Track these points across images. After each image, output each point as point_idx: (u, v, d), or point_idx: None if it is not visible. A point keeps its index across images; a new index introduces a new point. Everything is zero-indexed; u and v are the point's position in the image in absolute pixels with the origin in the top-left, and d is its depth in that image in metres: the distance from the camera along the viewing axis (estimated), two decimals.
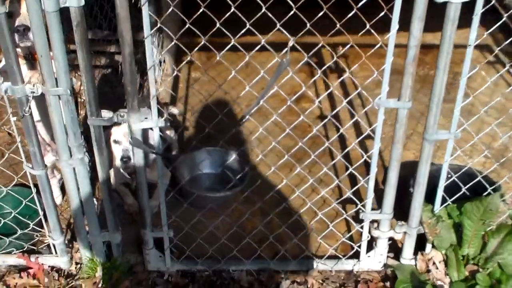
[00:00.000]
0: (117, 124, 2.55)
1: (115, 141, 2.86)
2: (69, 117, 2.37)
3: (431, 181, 2.69)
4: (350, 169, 2.65)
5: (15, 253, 2.98)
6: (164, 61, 4.62)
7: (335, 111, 3.87)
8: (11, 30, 2.20)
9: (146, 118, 2.41)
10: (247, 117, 2.41)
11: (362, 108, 4.22)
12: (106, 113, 2.48)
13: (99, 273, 2.83)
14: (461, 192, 2.70)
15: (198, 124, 4.14)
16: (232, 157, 3.48)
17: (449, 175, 2.76)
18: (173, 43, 2.43)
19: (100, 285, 2.80)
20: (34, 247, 3.03)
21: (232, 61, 4.70)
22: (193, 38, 2.37)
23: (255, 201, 3.03)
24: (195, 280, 2.92)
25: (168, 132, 3.49)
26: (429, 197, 2.71)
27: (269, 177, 2.74)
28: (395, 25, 2.14)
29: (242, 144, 3.82)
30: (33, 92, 2.32)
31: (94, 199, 2.79)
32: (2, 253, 2.98)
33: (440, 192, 2.67)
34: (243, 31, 2.25)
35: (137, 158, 2.52)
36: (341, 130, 2.81)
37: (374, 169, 2.56)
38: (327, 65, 2.77)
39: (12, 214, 2.88)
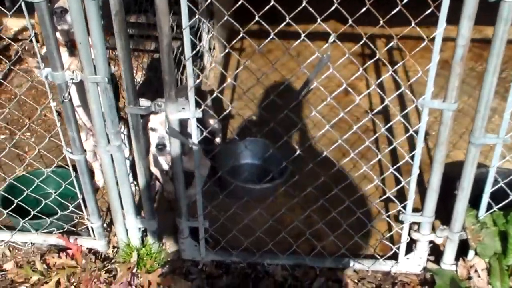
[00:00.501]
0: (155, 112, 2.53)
1: (152, 129, 2.84)
2: (107, 105, 2.38)
3: (478, 185, 2.57)
4: (391, 170, 2.55)
5: (55, 233, 3.03)
6: (214, 48, 4.60)
7: (381, 106, 3.72)
8: (50, 13, 2.20)
9: (183, 108, 2.38)
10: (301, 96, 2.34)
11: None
12: (144, 102, 2.48)
13: (134, 258, 2.85)
14: (509, 199, 2.56)
15: (244, 113, 4.10)
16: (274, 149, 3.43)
17: (497, 180, 2.63)
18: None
19: (134, 271, 2.82)
20: (74, 229, 3.08)
21: (283, 50, 4.63)
22: (246, 24, 2.27)
23: (294, 195, 2.98)
24: (229, 271, 2.90)
25: (211, 120, 3.47)
26: (475, 202, 2.59)
27: (310, 171, 2.64)
28: (442, 23, 2.02)
29: (286, 136, 3.75)
30: (72, 79, 2.33)
31: (132, 185, 2.80)
32: (43, 232, 3.04)
33: (485, 198, 2.54)
34: (286, 21, 2.15)
35: (173, 147, 2.51)
36: (382, 129, 2.66)
37: (416, 171, 2.46)
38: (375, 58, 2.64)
39: (53, 196, 2.93)
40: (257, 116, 4.02)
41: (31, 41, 2.30)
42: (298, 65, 4.51)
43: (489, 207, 2.61)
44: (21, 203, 2.95)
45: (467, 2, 1.98)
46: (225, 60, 4.81)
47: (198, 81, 2.63)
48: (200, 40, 4.33)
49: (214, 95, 2.48)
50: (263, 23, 2.18)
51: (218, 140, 3.64)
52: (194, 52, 2.30)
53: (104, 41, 2.21)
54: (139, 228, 2.88)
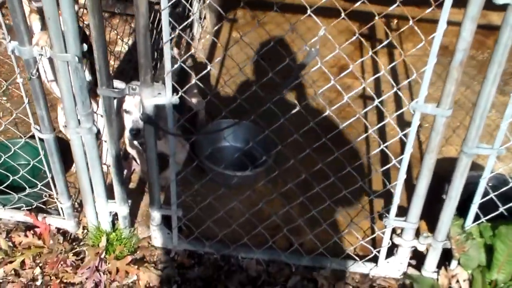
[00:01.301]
0: None
1: (126, 111, 2.68)
2: (78, 85, 2.21)
3: (467, 188, 2.44)
4: (378, 171, 2.40)
5: (23, 210, 2.90)
6: (204, 17, 4.39)
7: (372, 105, 3.56)
8: None
9: (159, 93, 2.22)
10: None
11: (409, 92, 3.93)
12: (118, 84, 2.31)
13: (102, 243, 2.73)
14: (498, 212, 2.42)
15: (231, 92, 3.93)
16: (260, 132, 3.28)
17: (489, 184, 2.50)
18: None
19: (102, 256, 2.69)
20: (44, 206, 2.94)
21: (278, 23, 4.39)
22: None
23: (278, 185, 2.84)
24: (201, 262, 2.78)
25: (194, 99, 3.29)
26: (463, 206, 2.46)
27: (297, 160, 2.48)
28: (443, 24, 1.85)
29: (274, 119, 3.58)
30: (41, 55, 2.16)
31: (105, 166, 2.66)
32: (11, 208, 2.90)
33: (474, 209, 2.41)
34: None
35: (147, 132, 2.35)
36: (369, 131, 2.50)
37: (402, 176, 2.32)
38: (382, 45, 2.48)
39: (21, 173, 2.78)
40: (245, 96, 3.84)
41: None
42: (293, 40, 4.33)
43: (477, 217, 2.48)
44: None
45: (472, 1, 1.81)
46: (215, 31, 4.60)
47: (187, 55, 2.47)
48: (189, 9, 4.14)
49: (206, 71, 2.30)
50: None
51: (200, 119, 3.47)
52: (185, 24, 2.11)
53: (75, 17, 2.03)
54: (110, 212, 2.75)
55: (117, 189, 2.61)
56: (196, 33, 4.37)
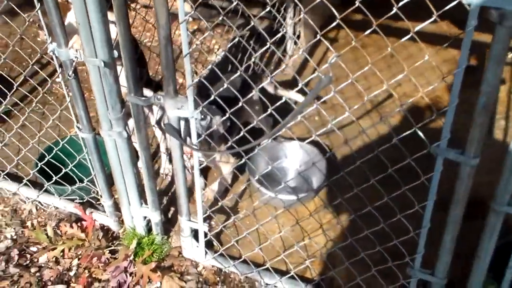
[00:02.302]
0: None
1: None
2: (107, 90, 2.28)
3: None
4: (399, 216, 2.20)
5: (76, 202, 3.05)
6: (299, 35, 4.34)
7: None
8: None
9: (182, 106, 2.22)
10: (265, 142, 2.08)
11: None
12: (147, 92, 2.34)
13: (133, 245, 2.78)
14: None
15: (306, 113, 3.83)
16: (317, 155, 3.18)
17: None
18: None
19: (130, 258, 2.75)
20: (94, 202, 3.06)
21: (380, 47, 4.26)
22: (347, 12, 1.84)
23: (327, 213, 2.73)
24: (226, 281, 2.73)
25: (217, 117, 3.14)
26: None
27: (346, 187, 2.32)
28: (463, 61, 1.65)
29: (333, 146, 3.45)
30: (77, 58, 2.25)
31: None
32: (66, 198, 3.06)
33: (508, 275, 2.12)
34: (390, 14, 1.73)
35: (173, 145, 2.36)
36: (389, 170, 2.23)
37: (427, 224, 2.10)
38: None
39: (69, 167, 2.91)
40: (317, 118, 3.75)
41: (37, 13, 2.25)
42: (389, 66, 4.13)
43: None
44: (59, 164, 2.98)
45: (496, 37, 1.59)
46: (311, 50, 4.52)
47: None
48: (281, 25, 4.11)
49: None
50: (364, 10, 1.73)
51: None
52: (275, 38, 2.04)
53: (104, 23, 2.09)
54: (144, 217, 2.79)
55: (149, 194, 2.65)
56: (289, 50, 4.34)
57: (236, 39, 4.12)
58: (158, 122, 2.52)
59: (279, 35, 2.26)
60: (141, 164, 2.54)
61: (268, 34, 2.04)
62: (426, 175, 1.97)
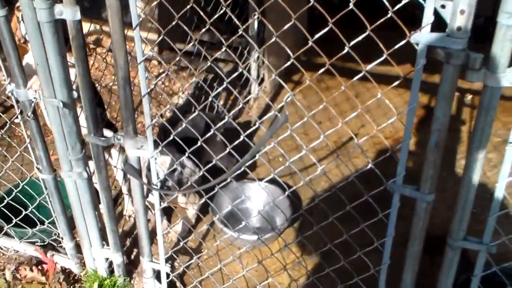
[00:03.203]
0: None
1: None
2: (66, 130, 2.27)
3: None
4: (359, 253, 2.21)
5: (37, 245, 2.99)
6: (263, 78, 4.40)
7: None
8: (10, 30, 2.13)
9: (142, 146, 2.23)
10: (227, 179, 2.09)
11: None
12: (107, 133, 2.34)
13: None
14: None
15: (272, 154, 3.88)
16: (280, 195, 3.18)
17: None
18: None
19: None
20: (56, 244, 3.01)
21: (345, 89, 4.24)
22: (312, 56, 1.85)
23: (291, 253, 2.73)
24: None
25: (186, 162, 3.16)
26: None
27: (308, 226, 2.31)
28: (414, 98, 1.69)
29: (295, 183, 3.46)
30: (36, 98, 2.25)
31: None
32: (26, 241, 3.01)
33: None
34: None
35: (133, 186, 2.36)
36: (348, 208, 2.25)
37: (386, 261, 2.12)
38: None
39: (29, 209, 2.87)
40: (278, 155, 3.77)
41: None
42: (353, 107, 4.19)
43: None
44: (19, 207, 2.92)
45: (444, 76, 1.64)
46: (275, 93, 4.59)
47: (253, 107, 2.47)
48: (247, 68, 4.18)
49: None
50: (317, 49, 1.74)
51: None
52: (230, 78, 2.04)
53: (63, 64, 2.11)
54: (106, 258, 2.76)
55: (110, 236, 2.62)
56: (253, 93, 4.39)
57: (199, 82, 4.19)
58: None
59: (234, 75, 2.26)
60: (102, 205, 2.52)
61: (232, 77, 2.07)
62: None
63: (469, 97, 4.46)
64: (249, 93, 4.34)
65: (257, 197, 3.31)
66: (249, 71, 4.22)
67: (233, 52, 2.20)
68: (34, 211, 2.87)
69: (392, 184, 1.93)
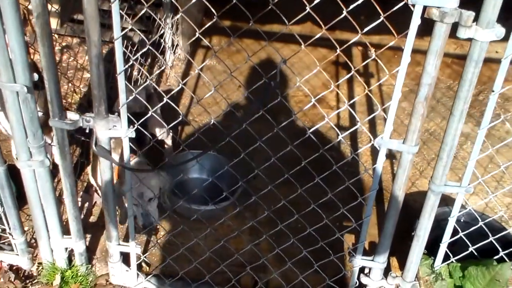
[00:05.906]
0: None
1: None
2: (28, 116, 2.10)
3: (439, 224, 2.37)
4: (342, 209, 2.30)
5: None
6: (177, 45, 4.31)
7: (337, 140, 3.46)
8: None
9: (114, 126, 2.11)
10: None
11: (384, 121, 3.85)
12: (72, 116, 2.20)
13: (57, 281, 2.59)
14: (468, 252, 2.33)
15: (202, 121, 3.84)
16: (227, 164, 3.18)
17: (461, 220, 2.43)
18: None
19: None
20: None
21: (253, 50, 4.34)
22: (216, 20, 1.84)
23: (246, 218, 2.74)
24: None
25: (157, 129, 3.16)
26: (434, 243, 2.37)
27: (266, 192, 2.35)
28: (406, 59, 1.78)
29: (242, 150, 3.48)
30: None
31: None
32: None
33: (443, 248, 2.32)
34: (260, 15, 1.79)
35: (103, 168, 2.24)
36: (334, 167, 2.39)
37: (369, 213, 2.22)
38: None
39: None
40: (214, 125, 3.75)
41: None
42: (269, 66, 4.25)
43: (446, 256, 2.38)
44: None
45: (436, 34, 1.73)
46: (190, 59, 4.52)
47: (146, 83, 2.37)
48: (162, 36, 4.06)
49: (170, 95, 2.20)
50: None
51: (167, 150, 3.35)
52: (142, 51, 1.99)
53: (24, 45, 1.93)
54: (66, 248, 2.61)
55: (72, 224, 2.48)
56: (168, 61, 4.29)
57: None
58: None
59: (149, 42, 2.17)
60: (65, 192, 2.37)
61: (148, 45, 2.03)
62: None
63: (372, 50, 4.70)
64: (164, 62, 4.23)
65: (203, 167, 3.27)
66: (160, 41, 4.10)
67: (146, 21, 2.14)
68: None
69: (380, 140, 2.02)
